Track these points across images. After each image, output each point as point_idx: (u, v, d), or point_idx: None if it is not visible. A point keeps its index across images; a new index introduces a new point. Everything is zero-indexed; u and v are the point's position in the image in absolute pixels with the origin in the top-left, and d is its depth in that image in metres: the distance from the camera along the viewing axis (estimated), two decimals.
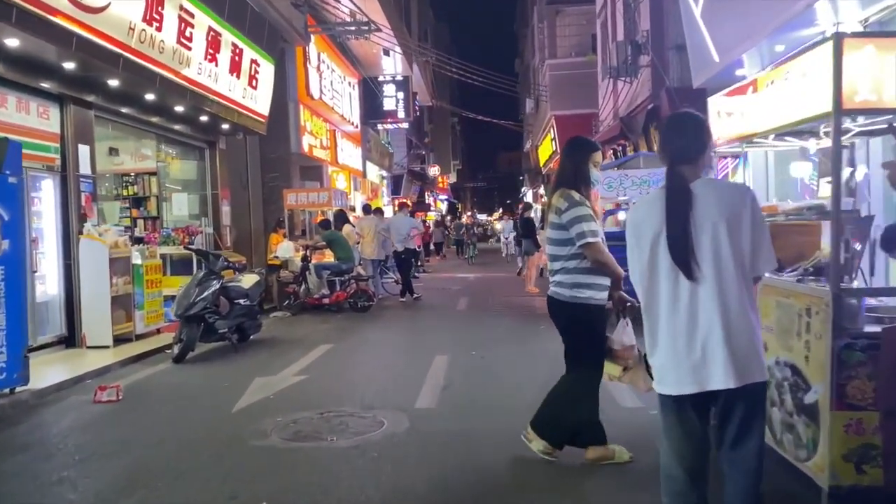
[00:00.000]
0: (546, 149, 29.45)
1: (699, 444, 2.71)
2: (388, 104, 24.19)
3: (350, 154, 20.72)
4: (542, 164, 32.92)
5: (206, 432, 5.10)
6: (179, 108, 10.30)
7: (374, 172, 26.29)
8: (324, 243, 12.35)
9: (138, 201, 12.89)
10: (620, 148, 19.18)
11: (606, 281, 3.93)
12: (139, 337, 9.00)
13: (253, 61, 11.74)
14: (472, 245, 27.44)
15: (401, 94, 24.35)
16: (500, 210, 24.91)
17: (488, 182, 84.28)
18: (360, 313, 11.81)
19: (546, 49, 26.30)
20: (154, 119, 10.56)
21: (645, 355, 3.87)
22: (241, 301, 8.69)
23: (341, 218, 13.22)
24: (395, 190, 31.49)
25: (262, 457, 4.51)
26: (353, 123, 20.72)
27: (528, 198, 56.18)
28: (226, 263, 8.47)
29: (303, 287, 12.08)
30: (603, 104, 19.26)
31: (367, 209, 14.08)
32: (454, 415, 5.35)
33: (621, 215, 10.54)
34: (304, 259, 12.18)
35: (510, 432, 4.47)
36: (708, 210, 2.61)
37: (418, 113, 30.00)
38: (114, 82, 8.52)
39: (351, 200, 20.12)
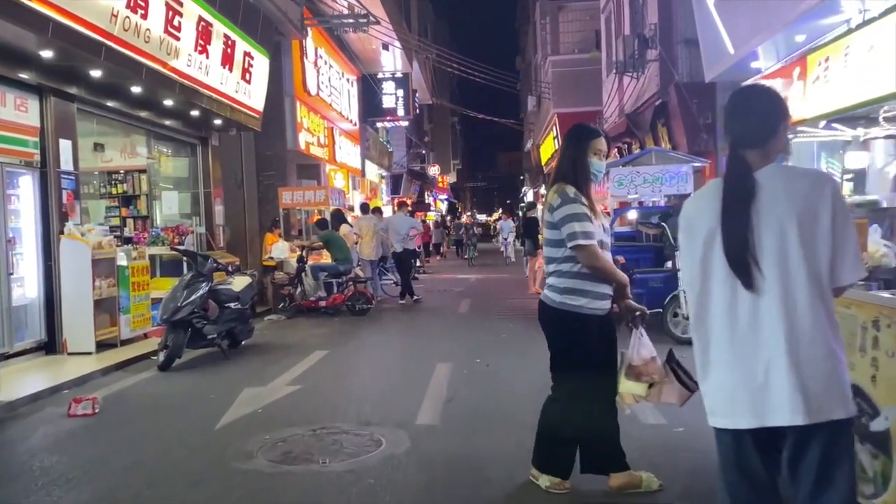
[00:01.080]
0: (548, 147, 29.00)
1: (763, 493, 2.22)
2: (388, 102, 23.74)
3: (348, 152, 20.25)
4: (543, 163, 32.47)
5: (185, 452, 4.63)
6: (169, 102, 9.83)
7: (374, 171, 25.82)
8: (320, 244, 11.88)
9: (128, 200, 12.44)
10: (626, 146, 18.74)
11: (606, 288, 3.47)
12: (124, 342, 8.53)
13: (246, 54, 11.27)
14: (472, 246, 26.52)
15: (400, 92, 23.90)
16: (500, 210, 24.32)
17: (488, 182, 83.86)
18: (357, 316, 11.34)
19: (549, 45, 25.83)
20: (143, 114, 10.09)
21: (674, 366, 3.42)
22: (232, 305, 8.23)
23: (338, 217, 12.75)
24: (395, 189, 31.02)
25: (245, 483, 4.03)
26: (351, 121, 20.26)
27: (529, 197, 55.85)
28: (214, 265, 8.00)
29: (298, 289, 11.61)
30: (608, 101, 18.79)
31: (365, 208, 13.61)
32: (459, 432, 4.88)
33: (631, 214, 10.07)
34: (300, 260, 11.71)
35: (521, 453, 3.99)
36: (775, 204, 2.13)
37: (418, 111, 29.54)
38: (96, 73, 8.05)
39: (349, 200, 19.66)
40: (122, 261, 8.63)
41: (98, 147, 9.90)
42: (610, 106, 18.83)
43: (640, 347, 3.43)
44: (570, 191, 3.45)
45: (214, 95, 10.35)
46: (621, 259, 8.82)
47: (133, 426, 5.34)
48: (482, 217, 67.83)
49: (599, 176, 3.63)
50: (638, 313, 3.46)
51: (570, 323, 3.47)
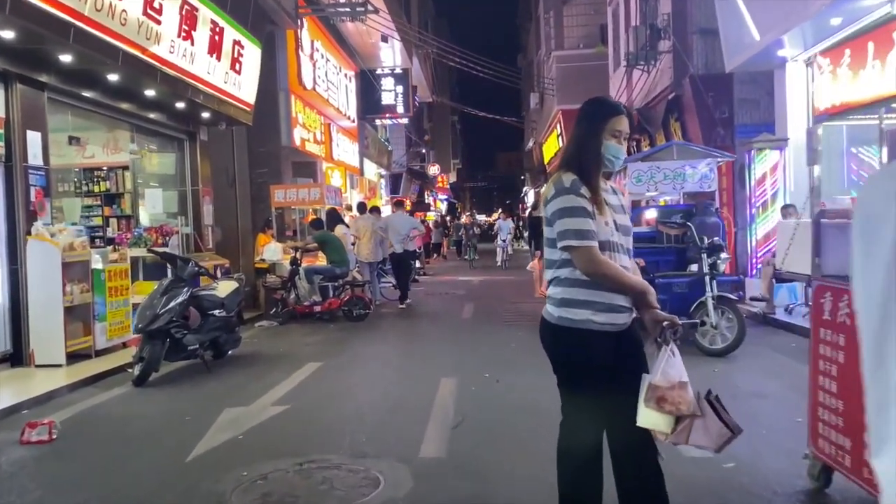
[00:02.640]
0: (551, 146, 28.31)
1: None
2: (387, 98, 23.03)
3: (346, 150, 19.54)
4: (546, 162, 31.78)
5: (146, 492, 3.92)
6: (150, 93, 9.12)
7: (372, 170, 25.11)
8: (315, 245, 11.17)
9: (111, 198, 11.74)
10: (634, 143, 18.04)
11: (619, 298, 2.70)
12: (100, 353, 7.83)
13: (236, 42, 10.55)
14: (472, 247, 24.91)
15: (400, 88, 23.20)
16: (500, 210, 23.38)
17: (488, 182, 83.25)
18: (355, 322, 10.63)
19: (552, 41, 25.13)
20: (124, 105, 9.37)
21: (712, 400, 2.70)
22: (216, 312, 7.52)
23: (334, 217, 12.04)
24: (394, 189, 30.32)
25: None
26: (349, 118, 19.55)
27: (530, 197, 55.07)
28: (196, 269, 7.29)
29: (292, 293, 10.90)
30: (616, 97, 18.07)
31: (363, 208, 12.89)
32: (470, 468, 4.16)
33: (649, 213, 9.37)
34: (294, 262, 10.99)
35: (543, 491, 3.26)
36: None
37: (417, 106, 28.83)
38: (67, 58, 7.33)
39: (347, 199, 18.96)
40: (97, 264, 7.93)
41: (73, 140, 9.18)
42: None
43: (669, 368, 2.65)
44: (568, 180, 2.72)
45: (201, 86, 9.63)
46: (641, 262, 8.10)
47: (92, 457, 4.62)
48: (482, 217, 66.98)
49: (617, 163, 2.82)
50: (667, 324, 2.66)
51: (572, 342, 2.71)
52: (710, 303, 7.16)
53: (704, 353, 7.15)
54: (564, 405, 2.87)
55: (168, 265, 7.92)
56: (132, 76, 8.29)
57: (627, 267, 2.77)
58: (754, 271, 9.67)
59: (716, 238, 7.59)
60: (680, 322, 2.70)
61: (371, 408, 5.60)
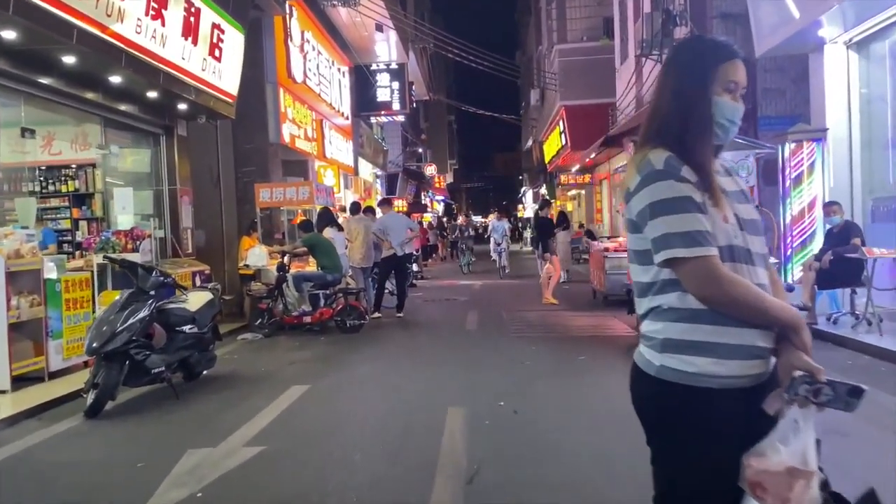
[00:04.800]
0: (553, 144, 27.34)
1: None
2: (383, 95, 22.07)
3: (339, 148, 18.55)
4: (547, 161, 30.82)
5: None
6: (116, 79, 8.13)
7: (368, 170, 24.11)
8: (304, 249, 10.16)
9: (80, 199, 10.73)
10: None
11: (751, 335, 1.73)
12: (55, 375, 6.84)
13: (215, 26, 9.56)
14: (469, 250, 22.80)
15: (396, 84, 22.25)
16: (496, 211, 22.29)
17: (484, 183, 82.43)
18: (348, 334, 9.63)
19: (555, 33, 24.14)
20: (88, 94, 8.40)
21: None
22: (186, 328, 6.51)
23: (325, 218, 11.04)
24: (391, 189, 29.34)
25: None
26: (343, 115, 18.57)
27: (528, 197, 54.07)
28: (161, 279, 6.27)
29: (279, 303, 9.90)
30: (625, 90, 17.12)
31: (356, 208, 11.88)
32: None
33: None
34: (281, 268, 9.98)
35: None
36: None
37: (414, 105, 27.85)
38: (10, 35, 6.33)
39: (341, 200, 17.96)
40: (50, 273, 6.92)
41: (27, 133, 8.15)
42: (626, 96, 17.16)
43: (794, 441, 1.65)
44: (659, 158, 1.76)
45: (175, 73, 8.65)
46: None
47: None
48: (478, 218, 65.91)
49: (732, 130, 1.85)
50: (801, 375, 1.68)
51: (681, 406, 1.75)
52: None
53: None
54: (661, 485, 1.87)
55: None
56: (92, 59, 7.30)
57: (765, 284, 1.80)
58: (791, 278, 8.69)
59: None
60: (825, 378, 1.70)
61: (364, 452, 4.58)
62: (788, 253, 8.87)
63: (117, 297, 6.21)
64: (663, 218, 1.71)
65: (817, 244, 8.70)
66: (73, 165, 10.66)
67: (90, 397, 5.69)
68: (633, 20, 16.15)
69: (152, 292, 6.24)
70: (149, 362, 5.97)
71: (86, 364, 7.17)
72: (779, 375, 1.73)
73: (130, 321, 5.84)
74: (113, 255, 7.19)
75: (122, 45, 7.35)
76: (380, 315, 11.20)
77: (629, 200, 1.81)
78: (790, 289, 7.32)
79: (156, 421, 5.53)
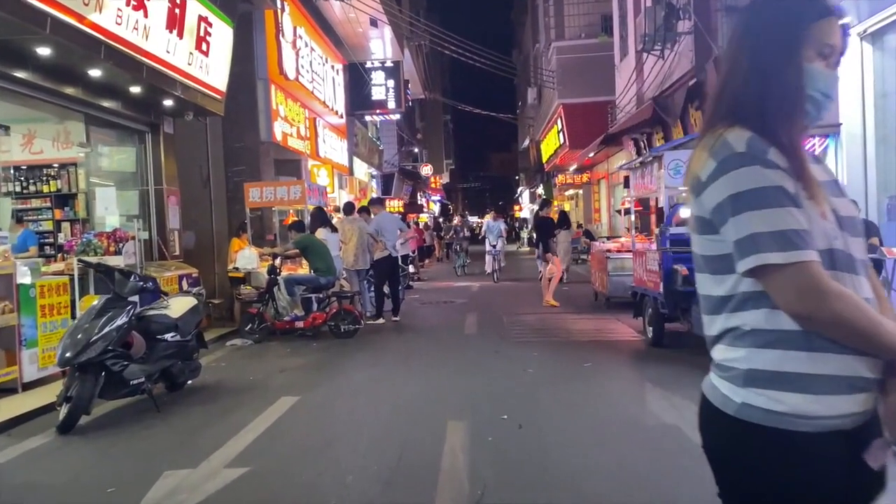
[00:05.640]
0: (551, 143, 26.99)
1: None
2: (377, 93, 21.62)
3: (334, 147, 18.15)
4: (544, 161, 30.48)
5: None
6: (96, 73, 7.73)
7: (363, 170, 23.69)
8: (296, 251, 9.76)
9: (63, 199, 10.38)
10: (644, 136, 16.75)
11: (856, 363, 1.35)
12: (28, 385, 6.46)
13: (202, 19, 9.16)
14: (464, 252, 21.88)
15: (391, 83, 21.80)
16: (492, 212, 21.72)
17: (481, 183, 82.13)
18: (343, 340, 9.24)
19: (552, 30, 23.78)
20: (69, 89, 8.00)
21: None
22: (168, 336, 6.12)
23: (319, 218, 10.64)
24: (386, 189, 28.95)
25: None
26: (337, 113, 18.18)
27: (525, 197, 53.68)
28: (141, 284, 5.87)
29: (270, 307, 9.50)
30: (626, 87, 16.77)
31: (350, 208, 11.47)
32: None
33: (685, 211, 8.01)
34: (272, 271, 9.57)
35: None
36: None
37: (410, 104, 27.44)
38: None
39: (336, 200, 17.56)
40: (23, 278, 6.51)
41: (0, 129, 7.75)
42: (627, 93, 16.80)
43: None
44: (741, 139, 1.41)
45: (159, 67, 8.24)
46: (683, 269, 6.77)
47: None
48: (474, 219, 65.42)
49: (826, 106, 1.49)
50: None
51: (767, 454, 1.37)
52: None
53: None
54: None
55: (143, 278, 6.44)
56: (69, 51, 6.89)
57: (870, 299, 1.42)
58: None
59: None
60: None
61: (358, 474, 4.19)
62: None
63: (93, 303, 5.82)
64: (749, 214, 1.34)
65: None
66: (55, 165, 10.32)
67: (63, 411, 5.31)
68: (634, 15, 15.79)
69: (132, 298, 5.87)
70: (127, 373, 5.58)
71: (64, 373, 6.77)
72: (884, 418, 1.36)
73: (107, 329, 5.45)
74: (88, 259, 6.79)
75: (101, 37, 6.95)
76: (383, 321, 10.80)
77: (700, 193, 1.44)
78: None
79: (132, 437, 5.13)
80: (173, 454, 4.65)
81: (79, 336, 5.46)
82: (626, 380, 6.55)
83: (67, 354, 5.38)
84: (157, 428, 5.34)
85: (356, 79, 20.47)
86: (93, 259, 6.88)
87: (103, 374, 5.45)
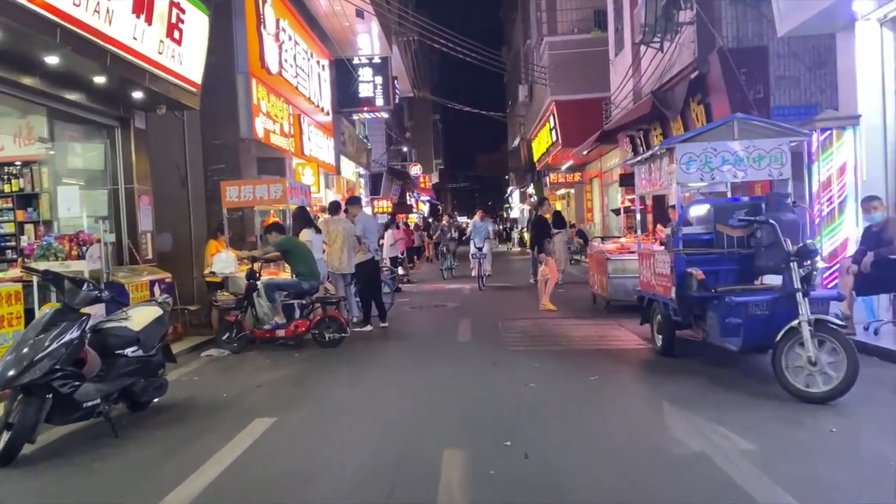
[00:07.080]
0: (542, 141, 26.41)
1: None
2: (365, 90, 20.96)
3: (320, 145, 17.47)
4: (536, 159, 29.90)
5: None
6: (53, 60, 7.05)
7: (350, 170, 23.02)
8: (276, 253, 9.10)
9: (26, 199, 9.70)
10: (641, 133, 16.21)
11: None
12: None
13: (174, 5, 8.49)
14: (451, 253, 20.81)
15: (379, 79, 21.14)
16: (479, 211, 21.05)
17: (470, 183, 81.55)
18: (327, 349, 8.60)
19: (545, 25, 23.19)
20: (26, 80, 7.32)
21: None
22: (129, 351, 5.46)
23: (302, 219, 10.00)
24: (375, 189, 28.29)
25: None
26: (323, 110, 17.50)
27: (515, 197, 53.08)
28: (95, 293, 5.21)
29: (248, 314, 8.84)
30: (622, 82, 16.20)
31: (336, 207, 10.82)
32: None
33: (698, 210, 7.44)
34: (251, 276, 8.91)
35: None
36: None
37: (398, 102, 26.80)
38: None
39: (322, 200, 16.90)
40: None
41: None
42: (623, 88, 16.24)
43: None
44: None
45: (124, 55, 7.57)
46: (698, 273, 6.18)
47: None
48: (463, 219, 64.79)
49: None
50: None
51: None
52: (805, 330, 5.23)
53: (799, 398, 5.21)
54: None
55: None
56: (20, 34, 6.22)
57: None
58: (828, 283, 7.76)
59: (809, 240, 5.69)
60: None
61: None
62: (817, 222, 7.93)
63: (39, 316, 5.16)
64: None
65: (848, 216, 7.82)
66: (17, 162, 9.62)
67: (2, 440, 4.64)
68: (631, 6, 15.22)
69: (86, 310, 5.22)
70: (79, 394, 4.92)
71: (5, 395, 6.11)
72: None
73: (54, 346, 4.79)
74: (33, 266, 6.11)
75: (55, 18, 6.27)
76: (371, 327, 10.16)
77: None
78: (840, 297, 6.36)
79: (83, 470, 4.47)
80: (129, 491, 4.02)
81: (24, 351, 4.80)
82: (638, 397, 5.94)
83: (10, 374, 4.71)
84: (113, 459, 4.68)
85: (343, 75, 19.82)
86: (40, 266, 6.19)
87: (50, 395, 4.79)
